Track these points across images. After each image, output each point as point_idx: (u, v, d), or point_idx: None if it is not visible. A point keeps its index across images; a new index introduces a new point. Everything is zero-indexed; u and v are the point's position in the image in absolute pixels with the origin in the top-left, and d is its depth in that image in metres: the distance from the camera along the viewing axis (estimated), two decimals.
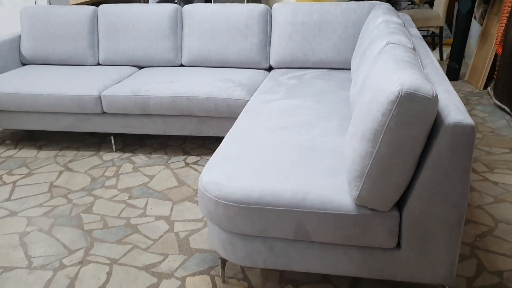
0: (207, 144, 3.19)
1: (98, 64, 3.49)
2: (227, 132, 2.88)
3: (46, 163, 3.00)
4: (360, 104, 1.57)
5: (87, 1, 5.88)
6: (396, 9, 6.03)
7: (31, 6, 3.54)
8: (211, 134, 2.91)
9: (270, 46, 3.22)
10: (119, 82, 3.12)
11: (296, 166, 1.74)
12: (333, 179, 1.66)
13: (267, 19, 3.19)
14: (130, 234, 2.23)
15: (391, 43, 1.92)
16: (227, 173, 1.72)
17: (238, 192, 1.62)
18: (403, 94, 1.34)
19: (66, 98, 2.95)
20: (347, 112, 2.27)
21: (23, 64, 3.60)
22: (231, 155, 1.86)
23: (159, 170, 2.84)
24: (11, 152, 3.17)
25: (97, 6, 3.37)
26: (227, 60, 3.24)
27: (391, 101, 1.35)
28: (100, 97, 2.93)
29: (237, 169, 1.73)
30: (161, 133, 2.97)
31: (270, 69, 3.31)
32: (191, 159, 2.99)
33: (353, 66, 2.54)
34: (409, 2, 6.08)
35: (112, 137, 3.10)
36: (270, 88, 2.71)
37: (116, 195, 2.58)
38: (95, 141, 3.29)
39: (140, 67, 3.46)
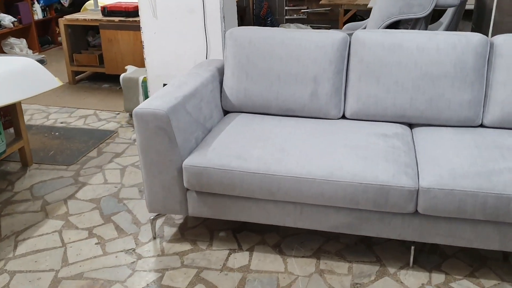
0: None
1: (343, 117, 2.37)
2: None
3: None
4: None
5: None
6: None
7: (240, 28, 2.42)
8: None
9: None
10: (423, 161, 1.99)
11: None
12: None
13: None
14: None
15: None
16: None
17: None
18: None
19: (353, 188, 1.82)
20: None
21: (225, 113, 2.48)
22: None
23: None
24: (241, 258, 2.04)
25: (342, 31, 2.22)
26: None
27: None
28: (417, 190, 1.80)
29: None
30: (507, 249, 1.83)
31: None
32: None
33: None
34: None
35: (412, 248, 1.96)
36: None
37: None
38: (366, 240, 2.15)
39: (410, 125, 2.32)
